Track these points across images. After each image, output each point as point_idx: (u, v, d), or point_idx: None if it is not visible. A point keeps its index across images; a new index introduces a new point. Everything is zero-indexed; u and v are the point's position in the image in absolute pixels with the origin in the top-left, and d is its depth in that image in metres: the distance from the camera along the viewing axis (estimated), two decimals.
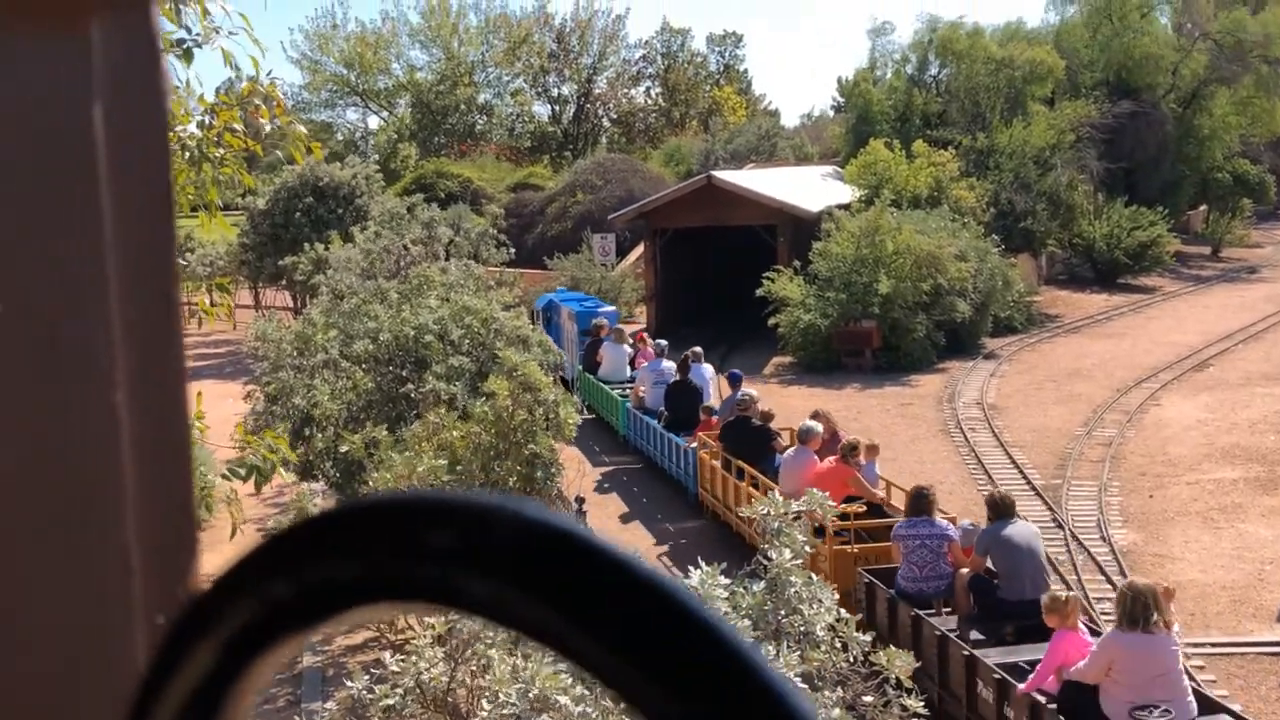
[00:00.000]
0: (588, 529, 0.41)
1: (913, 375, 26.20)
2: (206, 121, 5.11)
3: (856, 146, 36.52)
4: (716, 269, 33.47)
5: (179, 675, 0.45)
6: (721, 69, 68.19)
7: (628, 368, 20.17)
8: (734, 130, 54.01)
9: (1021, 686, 8.49)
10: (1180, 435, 20.56)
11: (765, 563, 7.25)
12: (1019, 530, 9.95)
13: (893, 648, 7.58)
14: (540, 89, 63.53)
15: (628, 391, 19.12)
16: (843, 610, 7.43)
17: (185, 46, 5.29)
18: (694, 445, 15.68)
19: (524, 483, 11.58)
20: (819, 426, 13.01)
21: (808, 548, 7.16)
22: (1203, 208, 49.02)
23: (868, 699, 7.33)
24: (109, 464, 0.55)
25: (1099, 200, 39.61)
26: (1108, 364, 26.77)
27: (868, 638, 7.41)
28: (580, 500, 13.85)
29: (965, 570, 10.10)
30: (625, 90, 64.85)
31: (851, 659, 7.34)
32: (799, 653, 6.93)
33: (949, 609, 10.25)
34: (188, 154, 4.91)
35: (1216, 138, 44.57)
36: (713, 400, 16.92)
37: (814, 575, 7.46)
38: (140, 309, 0.56)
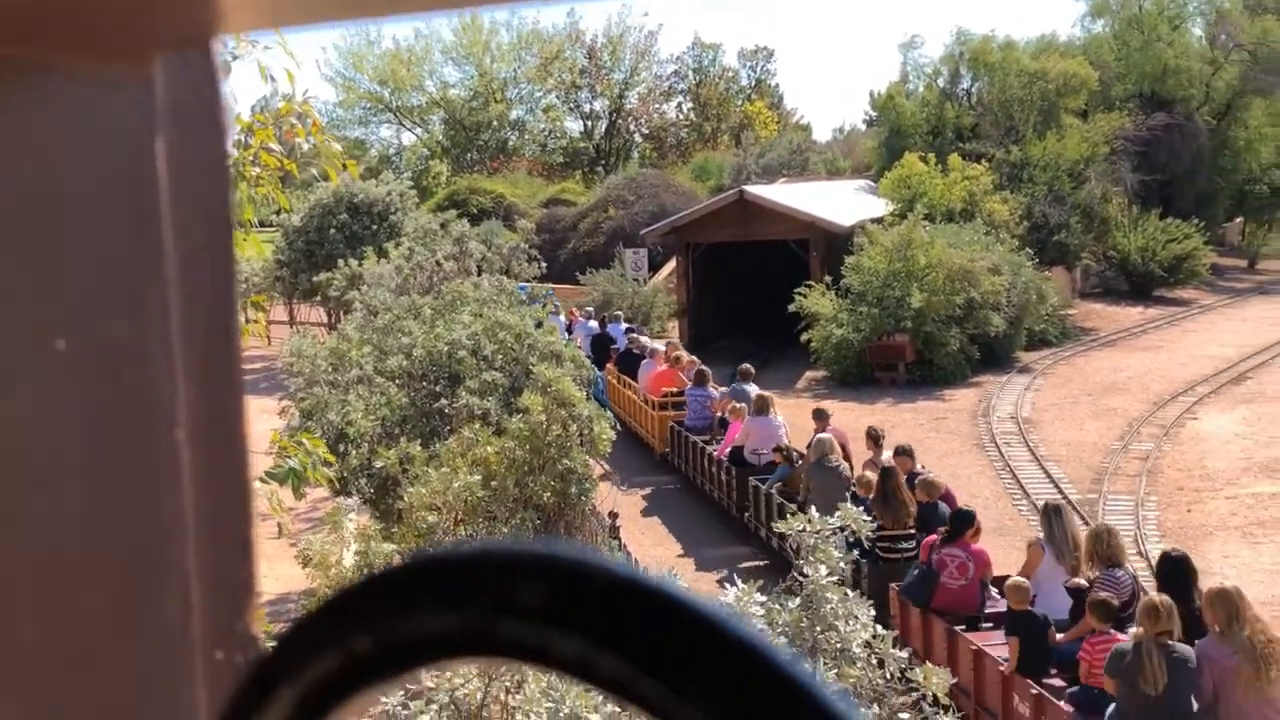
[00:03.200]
0: (678, 585, 0.39)
1: (946, 389, 26.07)
2: (243, 140, 5.13)
3: (889, 160, 36.45)
4: (749, 284, 33.41)
5: None
6: (753, 84, 68.16)
7: (565, 331, 25.53)
8: (766, 145, 53.96)
9: (714, 453, 16.43)
10: (1218, 449, 20.37)
11: (800, 579, 7.23)
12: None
13: (929, 664, 7.54)
14: (572, 105, 63.72)
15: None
16: (879, 627, 7.40)
17: (221, 60, 5.30)
18: (605, 375, 22.19)
19: (558, 498, 11.58)
20: (661, 347, 21.35)
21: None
22: (1239, 220, 48.59)
23: (904, 716, 7.29)
24: (171, 500, 0.55)
25: (1133, 213, 39.34)
26: (1144, 377, 26.56)
27: (904, 654, 7.38)
28: (614, 515, 13.85)
29: (718, 414, 17.31)
30: (657, 106, 64.94)
31: (888, 675, 7.31)
32: (835, 669, 6.90)
33: (708, 439, 17.40)
34: None
35: (1252, 149, 44.25)
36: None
37: (849, 592, 7.43)
38: (201, 344, 0.56)
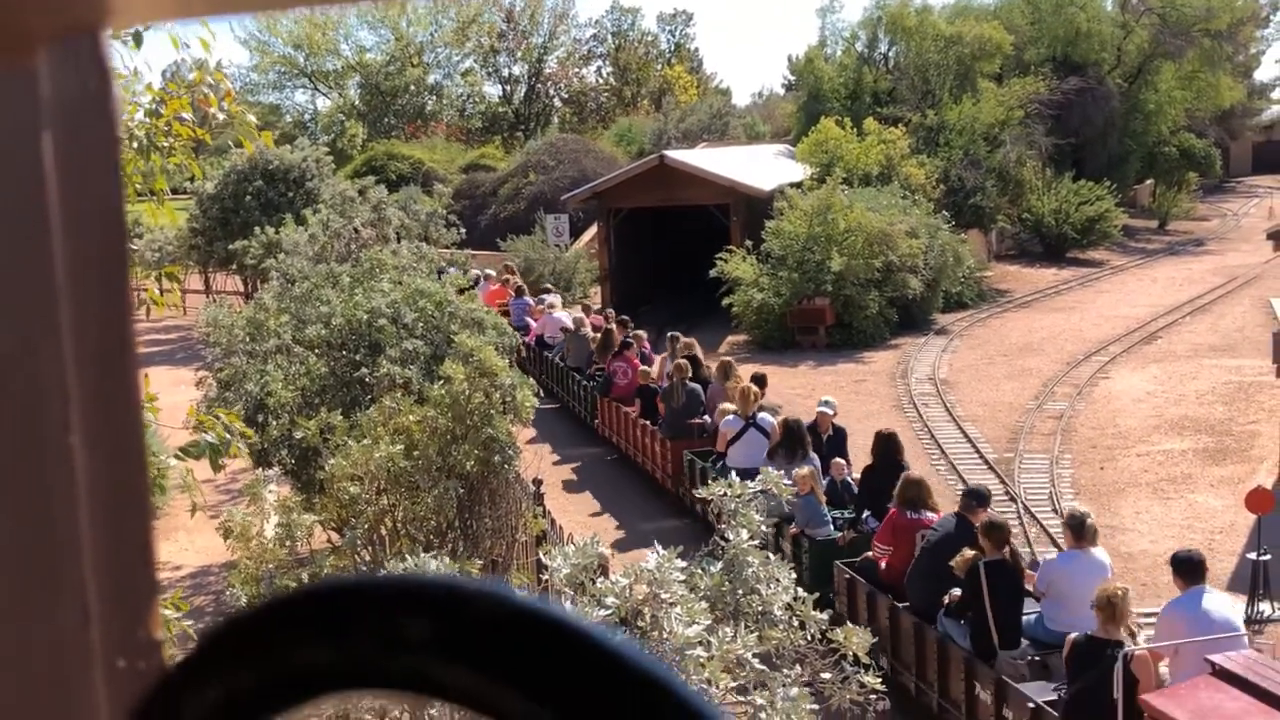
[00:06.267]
0: (571, 611, 0.39)
1: (866, 352, 26.35)
2: (155, 110, 5.02)
3: (808, 125, 36.59)
4: (671, 249, 33.44)
5: None
6: (672, 48, 68.00)
7: None
8: (686, 109, 53.91)
9: (525, 340, 21.32)
10: (1130, 407, 20.81)
11: (723, 544, 7.28)
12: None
13: (849, 624, 7.64)
14: (491, 69, 63.17)
15: None
16: (800, 589, 7.48)
17: (134, 30, 5.18)
18: None
19: (482, 466, 11.52)
20: (494, 273, 27.67)
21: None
22: (1149, 182, 49.50)
23: (826, 676, 7.38)
24: (65, 508, 0.54)
25: (1047, 176, 39.92)
26: (1057, 338, 27.04)
27: (825, 616, 7.47)
28: (538, 483, 13.83)
29: (533, 326, 23.92)
30: (576, 70, 64.61)
31: (809, 637, 7.38)
32: (757, 632, 6.97)
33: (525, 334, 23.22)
34: (136, 143, 4.82)
35: (1162, 112, 45.00)
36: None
37: (770, 555, 7.50)
38: (94, 346, 0.55)
